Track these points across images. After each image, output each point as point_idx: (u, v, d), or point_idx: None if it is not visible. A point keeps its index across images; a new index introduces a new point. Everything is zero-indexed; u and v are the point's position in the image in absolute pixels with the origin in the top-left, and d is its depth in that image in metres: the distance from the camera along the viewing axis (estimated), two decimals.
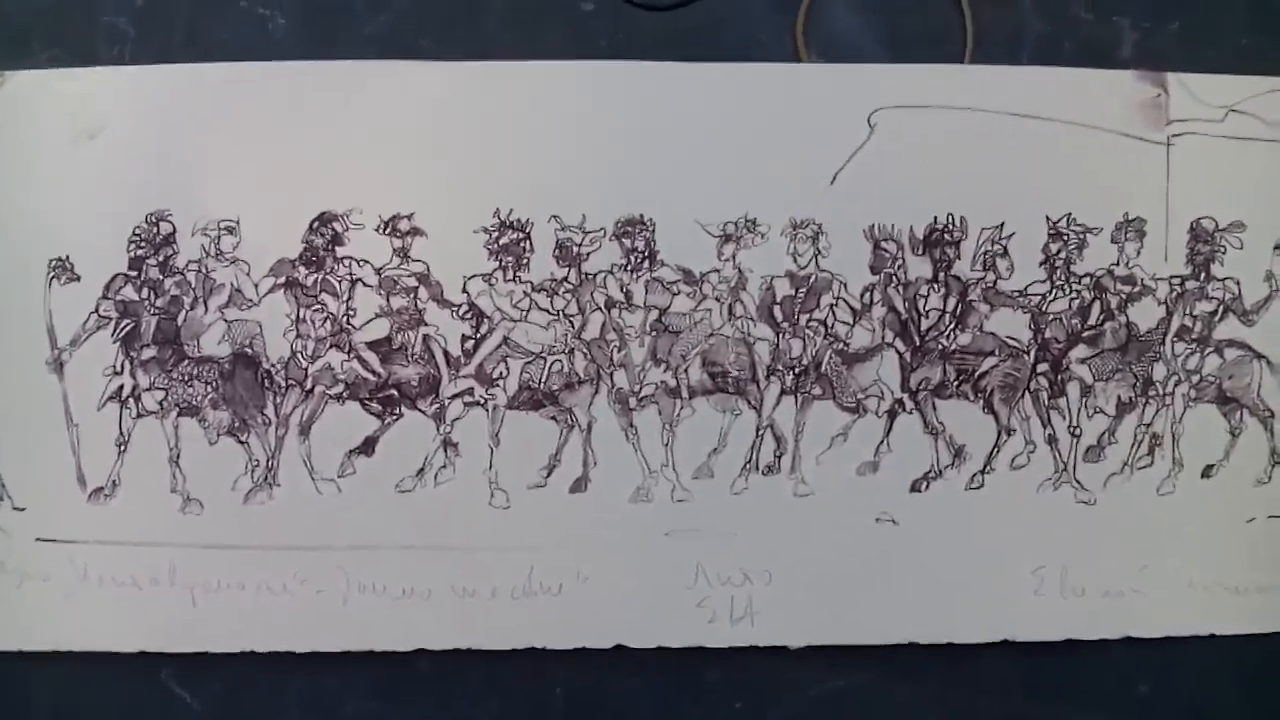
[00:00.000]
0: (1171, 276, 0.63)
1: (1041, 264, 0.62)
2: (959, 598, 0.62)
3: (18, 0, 0.61)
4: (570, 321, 0.61)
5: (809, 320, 0.62)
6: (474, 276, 0.60)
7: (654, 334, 0.61)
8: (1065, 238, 0.62)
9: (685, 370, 0.61)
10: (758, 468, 0.61)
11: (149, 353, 0.60)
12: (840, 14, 0.63)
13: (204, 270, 0.60)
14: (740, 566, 0.61)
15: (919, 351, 0.62)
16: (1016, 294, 0.62)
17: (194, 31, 0.61)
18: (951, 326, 0.62)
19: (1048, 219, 0.62)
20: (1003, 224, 0.62)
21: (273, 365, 0.60)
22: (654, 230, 0.61)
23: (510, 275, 0.60)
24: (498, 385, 0.61)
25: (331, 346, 0.60)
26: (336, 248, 0.60)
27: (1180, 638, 0.63)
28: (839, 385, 0.62)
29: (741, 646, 0.61)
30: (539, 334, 0.61)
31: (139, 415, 0.60)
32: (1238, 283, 0.63)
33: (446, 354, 0.61)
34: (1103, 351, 0.63)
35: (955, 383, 0.62)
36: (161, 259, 0.60)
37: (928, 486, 0.62)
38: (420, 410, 0.61)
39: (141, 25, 0.61)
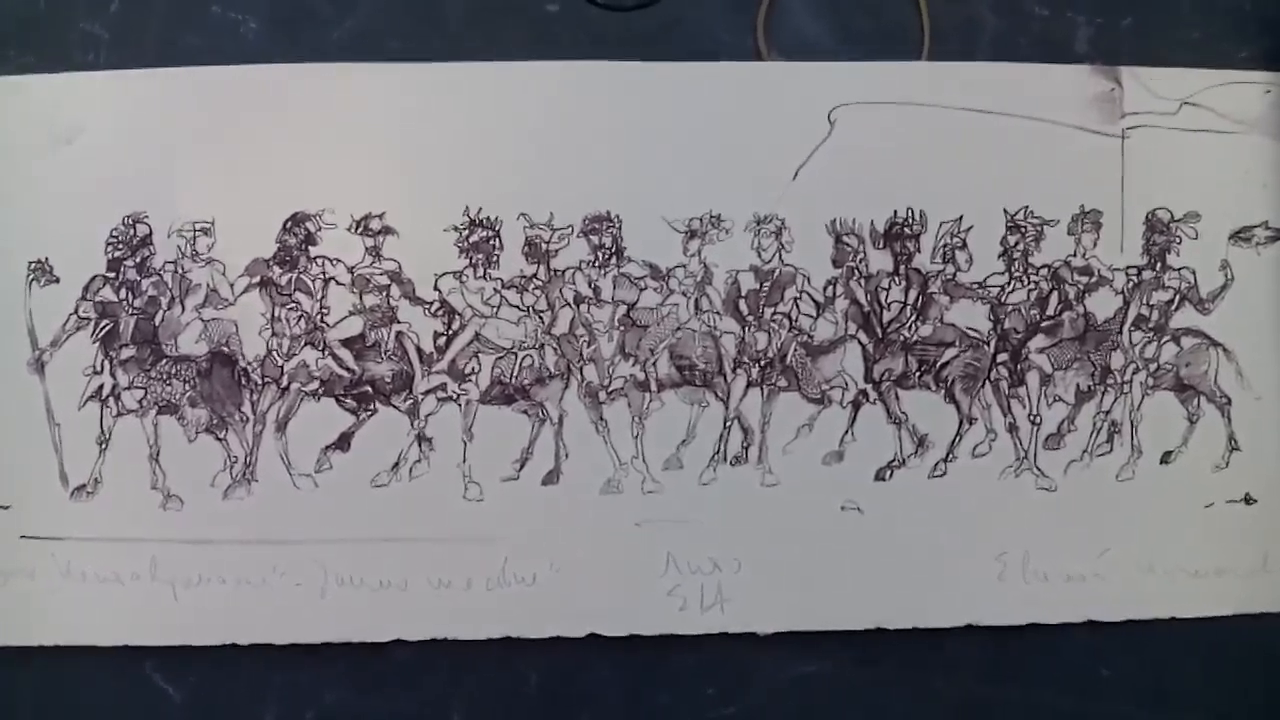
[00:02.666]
0: (1128, 267, 0.66)
1: (1000, 256, 0.66)
2: (924, 583, 0.65)
3: None
4: (540, 317, 0.64)
5: (773, 313, 0.65)
6: (445, 274, 0.63)
7: (622, 328, 0.64)
8: (1023, 230, 0.66)
9: (654, 364, 0.65)
10: (726, 458, 0.65)
11: (128, 352, 0.63)
12: (799, 13, 0.67)
13: (180, 271, 0.63)
14: (710, 555, 0.64)
15: (881, 343, 0.66)
16: (976, 286, 0.66)
17: (167, 37, 0.64)
18: (913, 318, 0.66)
19: (1005, 212, 0.65)
20: (961, 217, 0.65)
21: (249, 363, 0.63)
22: (621, 227, 0.64)
23: (481, 272, 0.64)
24: (470, 380, 0.64)
25: (306, 344, 0.63)
26: (310, 247, 0.63)
27: (1141, 621, 0.66)
28: (804, 377, 0.65)
29: (712, 633, 0.64)
30: (510, 330, 0.64)
31: (119, 414, 0.62)
32: (1193, 272, 0.67)
33: (419, 350, 0.64)
34: (1061, 341, 0.67)
35: (917, 373, 0.66)
36: (139, 260, 0.63)
37: (892, 475, 0.65)
38: (394, 406, 0.64)
39: (115, 31, 0.64)
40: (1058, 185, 0.66)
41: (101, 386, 0.63)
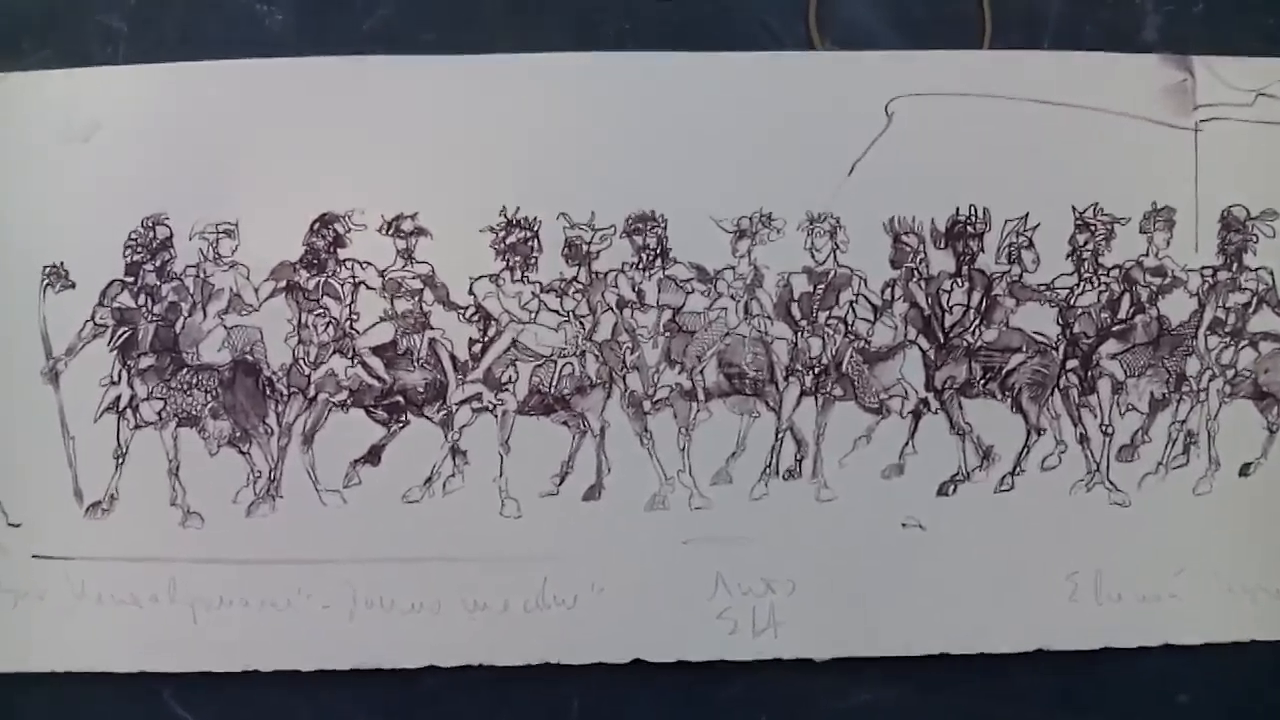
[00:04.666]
0: (1203, 267, 0.64)
1: (1068, 256, 0.63)
2: (990, 606, 0.62)
3: (8, 1, 0.63)
4: (581, 323, 0.62)
5: (828, 318, 0.63)
6: (480, 278, 0.62)
7: (668, 334, 0.62)
8: (1092, 228, 0.63)
9: (701, 372, 0.63)
10: (778, 472, 0.63)
11: (147, 361, 0.61)
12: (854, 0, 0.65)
13: (202, 275, 0.61)
14: (762, 576, 0.62)
15: (943, 349, 0.63)
16: (1043, 288, 0.63)
17: (189, 29, 0.63)
18: (976, 322, 0.63)
19: (1073, 209, 0.63)
20: (1027, 215, 0.63)
21: (274, 372, 0.61)
22: (666, 227, 0.62)
23: (518, 276, 0.62)
24: (507, 390, 0.62)
25: (334, 352, 0.62)
26: (338, 250, 0.61)
27: (1220, 644, 0.64)
28: (861, 385, 0.63)
29: (764, 659, 0.62)
30: (549, 336, 0.62)
31: (137, 426, 0.61)
32: (1271, 273, 0.65)
33: (453, 358, 0.62)
34: (1134, 346, 0.64)
35: (982, 381, 0.63)
36: (158, 264, 0.61)
37: (955, 489, 0.63)
38: (427, 417, 0.62)
39: (135, 23, 0.63)
40: (1128, 181, 0.64)
41: (119, 397, 0.61)
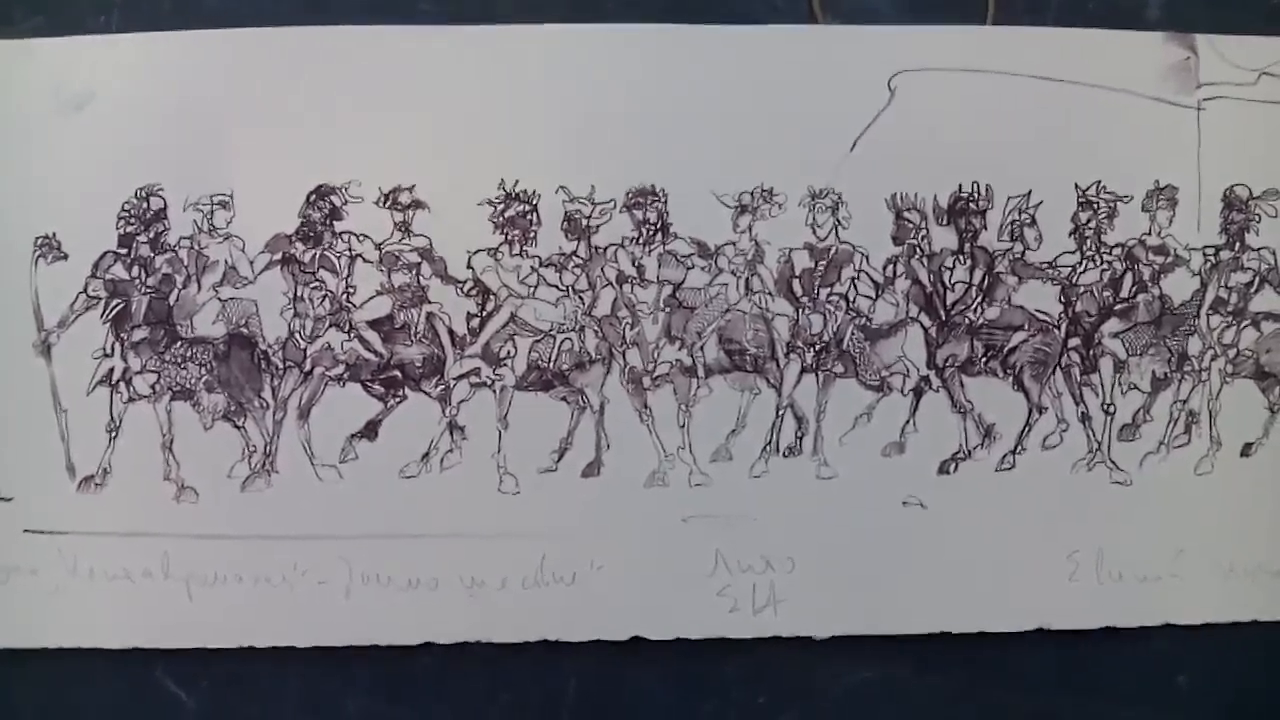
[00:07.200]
0: (1205, 246, 0.64)
1: (1071, 234, 0.63)
2: (990, 584, 0.63)
3: None
4: (580, 298, 0.62)
5: (829, 294, 0.63)
6: (479, 251, 0.61)
7: (668, 310, 0.62)
8: (1095, 206, 0.63)
9: (701, 348, 0.63)
10: (778, 449, 0.63)
11: (140, 334, 0.61)
12: None
13: (197, 247, 0.61)
14: (762, 553, 0.62)
15: (945, 326, 0.63)
16: (1045, 265, 0.63)
17: None
18: (978, 300, 0.63)
19: (1076, 187, 0.63)
20: (1030, 192, 0.63)
21: (270, 346, 0.61)
22: (666, 201, 0.62)
23: (517, 249, 0.61)
24: (505, 365, 0.62)
25: (331, 326, 0.61)
26: (335, 222, 0.61)
27: (1221, 625, 0.64)
28: (862, 362, 0.63)
29: (764, 637, 0.62)
30: (548, 311, 0.62)
31: (130, 399, 0.61)
32: (1274, 252, 0.65)
33: (451, 333, 0.62)
34: (1136, 325, 0.64)
35: (983, 359, 0.64)
36: (152, 235, 0.61)
37: (956, 468, 0.63)
38: (425, 392, 0.62)
39: None
40: (1131, 159, 0.64)
41: (112, 370, 0.61)
